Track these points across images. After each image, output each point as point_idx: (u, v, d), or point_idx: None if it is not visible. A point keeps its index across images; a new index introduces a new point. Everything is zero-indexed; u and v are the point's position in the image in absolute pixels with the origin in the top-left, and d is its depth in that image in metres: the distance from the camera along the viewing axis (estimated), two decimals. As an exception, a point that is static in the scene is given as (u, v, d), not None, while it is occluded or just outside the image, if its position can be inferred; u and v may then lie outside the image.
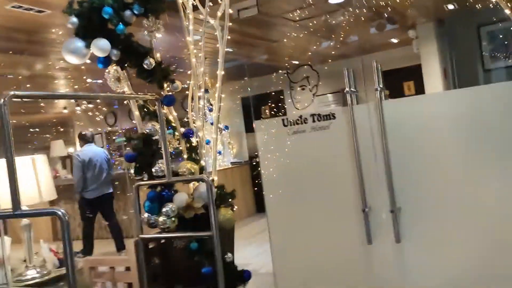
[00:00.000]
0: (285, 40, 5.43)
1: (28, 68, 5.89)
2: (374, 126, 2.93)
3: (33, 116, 9.57)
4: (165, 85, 3.01)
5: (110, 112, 10.34)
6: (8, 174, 1.50)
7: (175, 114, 3.19)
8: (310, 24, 4.82)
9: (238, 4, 3.90)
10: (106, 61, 2.83)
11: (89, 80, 6.45)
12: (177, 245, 3.02)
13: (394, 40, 6.60)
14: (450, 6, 4.89)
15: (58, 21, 3.99)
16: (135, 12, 2.78)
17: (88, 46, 2.75)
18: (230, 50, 3.56)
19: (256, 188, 8.06)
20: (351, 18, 4.64)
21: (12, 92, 1.47)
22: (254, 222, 7.85)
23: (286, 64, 6.87)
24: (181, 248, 3.01)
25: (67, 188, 7.55)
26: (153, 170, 3.01)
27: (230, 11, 3.33)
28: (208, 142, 3.80)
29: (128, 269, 3.20)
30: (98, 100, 8.47)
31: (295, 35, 5.13)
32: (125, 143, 8.63)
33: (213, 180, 3.47)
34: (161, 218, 2.97)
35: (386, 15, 4.91)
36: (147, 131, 2.99)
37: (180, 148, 3.27)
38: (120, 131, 10.15)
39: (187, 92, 3.45)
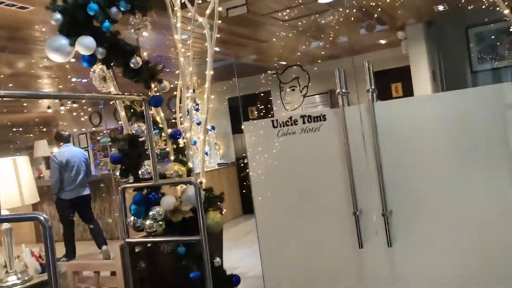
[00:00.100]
0: (274, 39, 5.38)
1: (10, 67, 5.75)
2: (365, 128, 2.90)
3: (16, 116, 9.40)
4: (153, 85, 2.93)
5: (95, 112, 10.22)
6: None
7: (162, 115, 3.11)
8: (299, 23, 4.78)
9: (227, 3, 3.84)
10: (91, 59, 2.74)
11: (74, 80, 6.32)
12: (164, 249, 2.94)
13: (382, 41, 6.60)
14: (440, 7, 4.89)
15: (41, 18, 3.88)
16: (122, 9, 2.69)
17: (72, 44, 2.65)
18: (218, 49, 3.49)
19: (245, 191, 8.02)
20: (340, 18, 4.61)
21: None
22: (240, 224, 7.83)
23: (275, 65, 6.83)
24: (169, 252, 2.94)
25: (51, 189, 7.41)
26: (139, 172, 2.94)
27: (220, 8, 3.26)
28: (194, 143, 3.73)
29: (113, 273, 3.13)
30: (83, 100, 8.32)
31: (284, 34, 5.09)
32: (110, 143, 8.52)
33: (201, 183, 3.40)
34: (147, 222, 2.89)
35: (375, 16, 4.89)
36: (133, 132, 2.91)
37: (167, 149, 3.19)
38: (105, 131, 10.02)
39: (174, 92, 3.37)
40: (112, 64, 2.85)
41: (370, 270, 2.96)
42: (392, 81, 7.23)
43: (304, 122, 3.11)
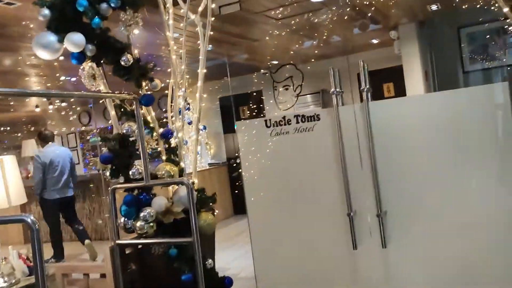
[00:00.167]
0: (267, 38, 5.34)
1: (-4, 64, 5.64)
2: (360, 128, 2.86)
3: (3, 115, 9.27)
4: (144, 83, 2.87)
5: (84, 111, 10.11)
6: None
7: (153, 114, 3.05)
8: (292, 22, 4.74)
9: (220, 0, 3.78)
10: (81, 57, 2.67)
11: (62, 78, 6.22)
12: (156, 251, 2.89)
13: (375, 41, 6.59)
14: (433, 7, 4.88)
15: (29, 14, 3.79)
16: (112, 5, 2.63)
17: (61, 40, 2.58)
18: (210, 48, 3.43)
19: (236, 191, 7.97)
20: (333, 17, 4.58)
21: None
22: (231, 224, 7.78)
23: (269, 64, 6.79)
24: (160, 254, 2.88)
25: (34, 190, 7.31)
26: (130, 172, 2.88)
27: (213, 5, 3.20)
28: (185, 143, 3.67)
29: (103, 276, 3.08)
30: (72, 99, 8.21)
31: (277, 32, 5.05)
32: (100, 143, 8.43)
33: (193, 183, 3.34)
34: (138, 223, 2.84)
35: (369, 15, 4.87)
36: (124, 131, 2.85)
37: (159, 149, 3.14)
38: (95, 130, 9.92)
39: (166, 91, 3.31)
40: (102, 61, 2.78)
41: (364, 271, 2.93)
42: (384, 81, 7.22)
43: (297, 122, 3.07)
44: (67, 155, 6.32)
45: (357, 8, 4.40)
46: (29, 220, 1.50)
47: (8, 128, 9.63)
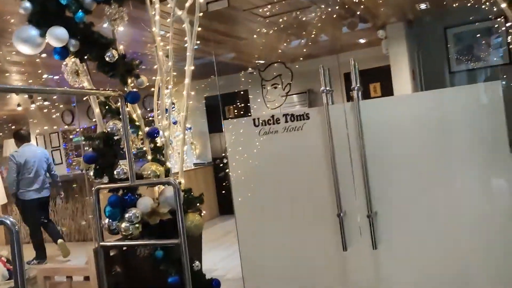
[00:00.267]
0: (254, 36, 5.28)
1: (-26, 60, 5.47)
2: (350, 127, 2.83)
3: (-17, 113, 9.05)
4: (129, 80, 2.79)
5: (67, 110, 9.94)
6: None
7: (139, 112, 2.97)
8: (280, 20, 4.69)
9: (207, -3, 3.71)
10: (63, 52, 2.57)
11: (45, 76, 6.08)
12: (141, 253, 2.82)
13: (362, 40, 6.57)
14: (422, 5, 4.87)
15: (9, 8, 3.67)
16: (96, -2, 2.54)
17: (43, 35, 2.49)
18: (196, 47, 3.36)
19: (223, 191, 7.89)
20: (322, 15, 4.53)
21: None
22: (217, 224, 7.72)
23: (256, 62, 6.72)
24: (146, 256, 2.81)
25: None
26: (114, 172, 2.80)
27: (201, 0, 3.13)
28: (170, 143, 3.60)
29: (87, 278, 3.00)
30: (54, 97, 8.05)
31: (265, 30, 4.99)
32: (83, 142, 8.29)
33: (180, 183, 3.27)
34: (123, 225, 2.76)
35: (358, 13, 4.84)
36: (109, 130, 2.76)
37: (144, 148, 3.06)
38: (78, 130, 9.76)
39: (152, 89, 3.23)
40: (85, 57, 2.69)
41: (355, 273, 2.90)
42: (371, 81, 7.21)
43: (286, 121, 3.03)
44: (43, 155, 6.24)
45: (346, 6, 4.37)
46: (8, 222, 1.43)
47: (-11, 127, 9.42)
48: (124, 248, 3.00)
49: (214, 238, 6.55)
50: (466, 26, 6.24)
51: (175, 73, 3.30)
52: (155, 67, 3.18)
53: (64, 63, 2.79)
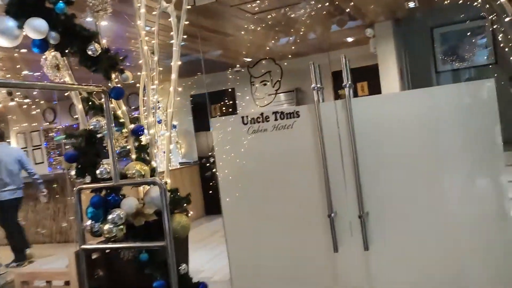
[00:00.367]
0: (242, 32, 5.18)
1: None
2: (341, 125, 2.76)
3: (-40, 110, 8.79)
4: (113, 75, 2.67)
5: (48, 108, 9.72)
6: None
7: (124, 108, 2.85)
8: (269, 16, 4.61)
9: (196, -10, 3.61)
10: (43, 45, 2.45)
11: (24, 73, 5.90)
12: (125, 256, 2.71)
13: (350, 39, 6.54)
14: (411, 4, 4.85)
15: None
16: (78, -11, 2.43)
17: (21, 26, 2.36)
18: (182, 43, 3.26)
19: (210, 191, 7.79)
20: (312, 12, 4.47)
21: None
22: (203, 225, 7.63)
23: (244, 59, 6.63)
24: (130, 259, 2.70)
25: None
26: (97, 171, 2.68)
27: (187, -7, 3.03)
28: (155, 141, 3.49)
29: (67, 283, 2.88)
30: (34, 92, 7.85)
31: (253, 27, 4.90)
32: (64, 140, 8.11)
33: (166, 183, 3.16)
34: (106, 226, 2.65)
35: (347, 11, 4.79)
36: (91, 127, 2.64)
37: (128, 147, 2.94)
38: (59, 127, 9.56)
39: (138, 84, 3.11)
40: (67, 51, 2.57)
41: (346, 274, 2.84)
42: (358, 80, 7.19)
43: (276, 119, 2.96)
44: (16, 155, 6.11)
45: (336, 3, 4.31)
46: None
47: (-34, 124, 9.15)
48: (107, 251, 2.89)
49: (200, 238, 6.46)
50: (452, 26, 6.27)
51: (161, 68, 3.19)
52: (140, 62, 3.06)
53: (44, 56, 2.66)
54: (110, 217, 2.66)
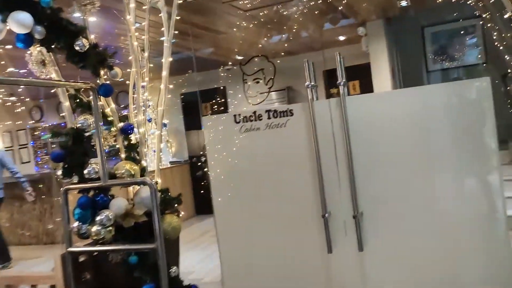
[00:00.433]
0: (234, 29, 5.11)
1: None
2: (336, 124, 2.71)
3: None
4: (102, 72, 2.59)
5: (35, 106, 9.57)
6: None
7: (113, 106, 2.77)
8: (261, 14, 4.55)
9: (187, -14, 3.53)
10: (28, 39, 2.36)
11: (9, 70, 5.77)
12: (114, 259, 2.63)
13: (341, 38, 6.51)
14: (403, 2, 4.82)
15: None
16: (65, -18, 2.34)
17: (4, 20, 2.27)
18: (173, 40, 3.18)
19: (202, 191, 7.71)
20: (304, 10, 4.41)
21: None
22: (193, 225, 7.56)
23: (236, 57, 6.54)
24: (118, 262, 2.63)
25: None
26: (85, 171, 2.60)
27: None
28: (145, 140, 3.41)
29: (53, 287, 2.78)
30: (19, 89, 7.70)
31: (244, 24, 4.83)
32: (51, 139, 7.97)
33: (156, 183, 3.08)
34: (94, 228, 2.57)
35: (339, 8, 4.74)
36: (79, 125, 2.56)
37: (117, 146, 2.86)
38: (45, 126, 9.41)
39: (127, 81, 3.03)
40: (53, 46, 2.47)
41: (340, 275, 2.80)
42: (350, 79, 7.17)
43: (269, 117, 2.90)
44: None
45: (329, 1, 4.26)
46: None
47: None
48: (95, 253, 2.81)
49: (191, 238, 6.39)
50: (443, 25, 6.28)
51: (151, 65, 3.11)
52: (130, 58, 2.98)
53: (29, 52, 2.56)
54: (98, 218, 2.58)
